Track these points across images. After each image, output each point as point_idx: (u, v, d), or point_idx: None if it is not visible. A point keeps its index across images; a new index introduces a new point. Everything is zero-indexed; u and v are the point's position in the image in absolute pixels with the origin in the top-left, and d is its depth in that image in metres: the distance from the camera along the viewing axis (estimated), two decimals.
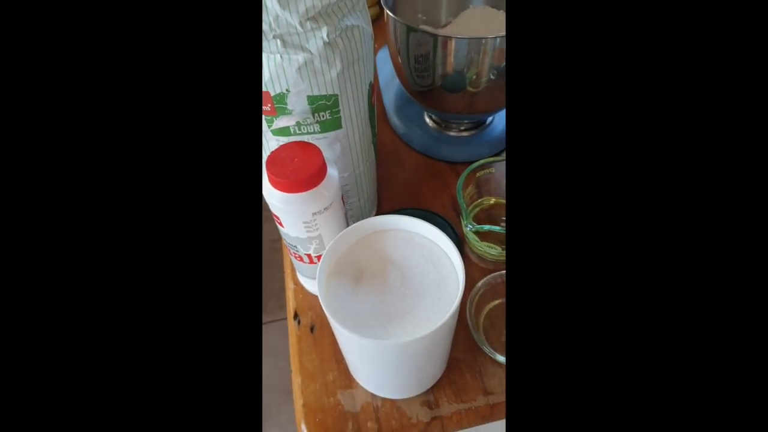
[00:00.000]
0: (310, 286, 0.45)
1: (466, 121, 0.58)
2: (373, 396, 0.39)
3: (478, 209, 0.51)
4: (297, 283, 0.47)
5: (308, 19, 0.31)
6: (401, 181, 0.56)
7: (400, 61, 0.52)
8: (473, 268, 0.47)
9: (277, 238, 1.38)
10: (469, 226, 0.44)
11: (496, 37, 0.45)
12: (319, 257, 0.39)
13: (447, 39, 0.46)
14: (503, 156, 0.56)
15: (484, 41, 0.46)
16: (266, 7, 0.30)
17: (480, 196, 0.51)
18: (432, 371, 0.38)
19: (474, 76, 0.49)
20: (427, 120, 0.60)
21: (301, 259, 0.40)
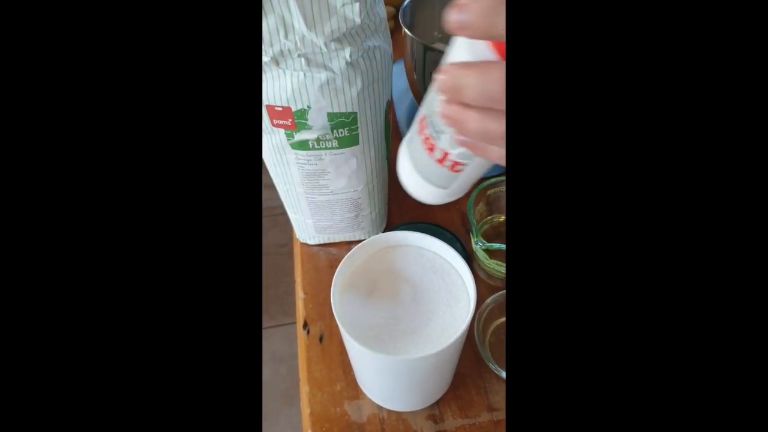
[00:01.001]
0: (418, 189, 0.31)
1: None
2: (380, 407, 0.40)
3: (487, 226, 0.52)
4: (307, 292, 0.48)
5: (333, 39, 0.32)
6: None
7: (415, 77, 0.53)
8: (481, 284, 0.48)
9: (284, 243, 1.39)
10: (480, 243, 0.45)
11: None
12: (456, 164, 0.27)
13: None
14: None
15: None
16: (293, 27, 0.32)
17: (490, 213, 0.52)
18: (439, 386, 0.39)
19: None
20: None
21: (432, 150, 0.28)
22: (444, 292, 0.35)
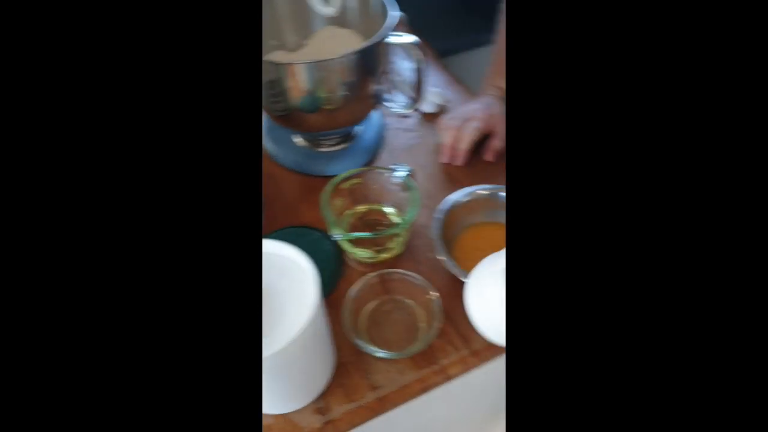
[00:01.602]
0: None
1: (332, 136, 0.61)
2: (264, 415, 0.41)
3: (351, 218, 0.54)
4: None
5: None
6: (280, 201, 0.58)
7: None
8: (353, 272, 0.50)
9: None
10: (338, 235, 0.47)
11: (336, 58, 0.49)
12: None
13: (290, 66, 0.49)
14: (370, 166, 0.60)
15: (327, 62, 0.49)
16: None
17: (353, 204, 0.54)
18: (314, 380, 0.40)
19: (327, 95, 0.52)
20: (296, 139, 0.63)
21: None
22: (292, 291, 0.36)
